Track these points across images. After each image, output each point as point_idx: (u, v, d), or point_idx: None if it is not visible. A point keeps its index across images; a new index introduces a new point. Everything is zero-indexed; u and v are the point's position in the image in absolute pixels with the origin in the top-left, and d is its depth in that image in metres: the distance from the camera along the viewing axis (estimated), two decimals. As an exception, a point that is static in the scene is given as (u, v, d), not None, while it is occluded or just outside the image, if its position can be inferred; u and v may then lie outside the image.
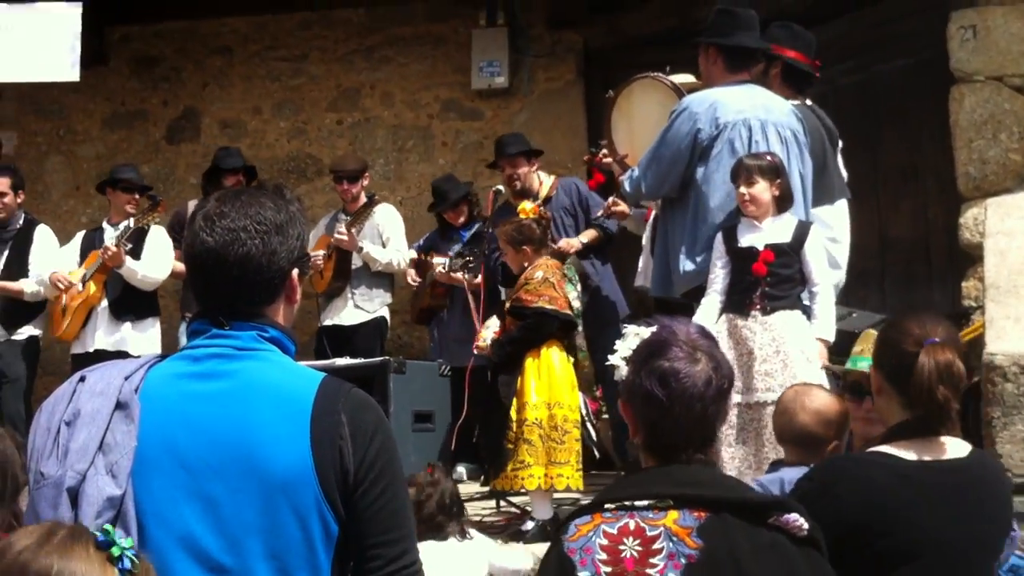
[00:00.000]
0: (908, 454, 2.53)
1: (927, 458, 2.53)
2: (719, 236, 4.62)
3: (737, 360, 4.28)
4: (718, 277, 4.57)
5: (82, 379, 2.06)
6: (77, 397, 2.02)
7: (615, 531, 2.05)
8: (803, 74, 5.40)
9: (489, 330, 5.19)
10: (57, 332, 6.87)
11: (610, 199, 5.97)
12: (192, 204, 7.26)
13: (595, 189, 6.52)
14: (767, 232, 4.51)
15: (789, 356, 4.30)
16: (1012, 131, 6.21)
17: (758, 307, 4.43)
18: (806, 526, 2.08)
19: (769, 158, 4.57)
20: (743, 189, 4.50)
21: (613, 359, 2.30)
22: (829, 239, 5.30)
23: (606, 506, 2.10)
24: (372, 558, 2.00)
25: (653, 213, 5.99)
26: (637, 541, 2.03)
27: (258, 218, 2.06)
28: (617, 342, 2.32)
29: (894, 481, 2.49)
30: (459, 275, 6.75)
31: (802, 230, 4.57)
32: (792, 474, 3.33)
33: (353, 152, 8.42)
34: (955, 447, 2.57)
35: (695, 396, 2.12)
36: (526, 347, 5.03)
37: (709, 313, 4.49)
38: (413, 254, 7.32)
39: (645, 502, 2.07)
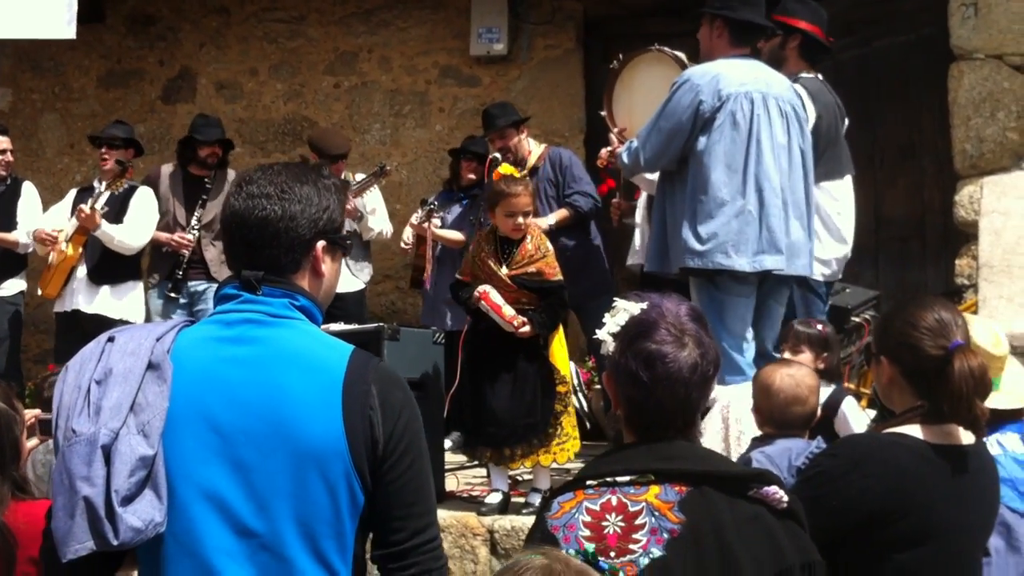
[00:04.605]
0: (928, 437, 2.52)
1: (945, 443, 2.52)
2: None
3: None
4: None
5: (111, 339, 2.08)
6: (107, 356, 2.04)
7: (597, 507, 2.05)
8: (819, 47, 5.45)
9: (508, 305, 4.95)
10: (42, 290, 6.90)
11: (604, 151, 5.83)
12: (165, 168, 7.23)
13: (606, 195, 6.46)
14: None
15: None
16: (1010, 110, 6.18)
17: None
18: (786, 498, 2.08)
19: (820, 328, 4.48)
20: (786, 355, 4.41)
21: (600, 333, 2.27)
22: (836, 213, 5.32)
23: (588, 483, 2.10)
24: (395, 530, 2.04)
25: (643, 196, 5.97)
26: (620, 517, 2.03)
27: (283, 186, 2.11)
28: (606, 316, 2.29)
29: (919, 464, 2.47)
30: (425, 224, 6.77)
31: (832, 402, 4.37)
32: (799, 445, 3.35)
33: (337, 129, 8.32)
34: (966, 433, 2.56)
35: (679, 381, 2.10)
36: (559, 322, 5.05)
37: None
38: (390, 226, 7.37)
39: (627, 478, 2.07)
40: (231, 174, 7.14)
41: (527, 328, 4.90)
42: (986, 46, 6.26)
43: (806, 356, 4.39)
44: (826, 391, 4.37)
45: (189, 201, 6.99)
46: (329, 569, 2.00)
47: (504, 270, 5.00)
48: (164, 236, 6.92)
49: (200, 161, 7.07)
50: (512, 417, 4.89)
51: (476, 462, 5.56)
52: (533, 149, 6.69)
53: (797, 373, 3.59)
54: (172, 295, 6.87)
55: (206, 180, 7.04)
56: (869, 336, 5.81)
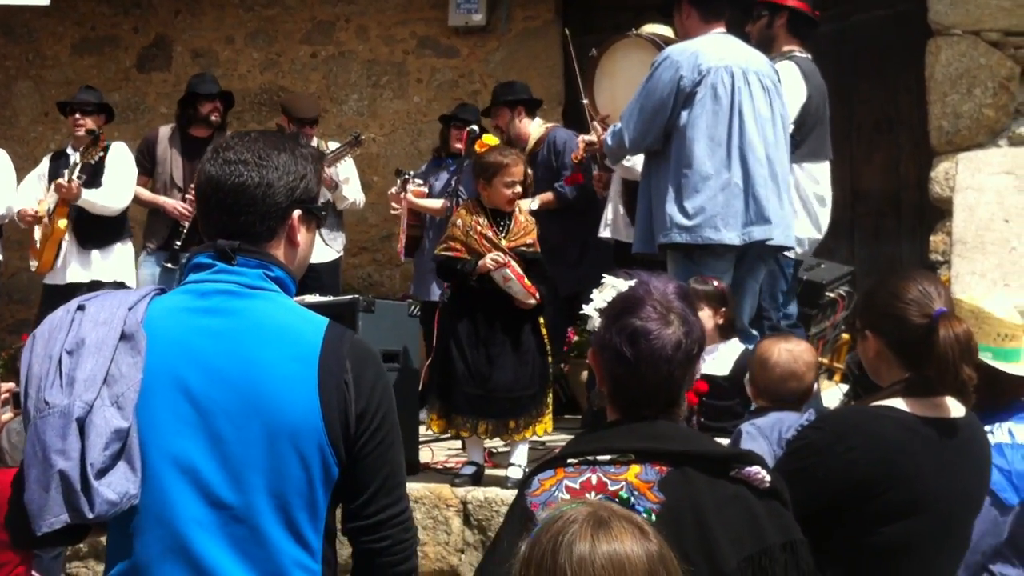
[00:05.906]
0: (915, 410, 2.53)
1: (932, 415, 2.54)
2: None
3: None
4: None
5: (80, 308, 2.05)
6: (78, 326, 2.01)
7: (577, 485, 2.05)
8: (806, 22, 5.47)
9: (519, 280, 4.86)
10: (36, 266, 6.82)
11: (581, 141, 5.85)
12: (164, 130, 7.14)
13: (570, 185, 6.44)
14: (707, 361, 4.27)
15: None
16: (986, 86, 6.21)
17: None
18: (768, 478, 2.08)
19: (715, 283, 4.48)
20: None
21: (587, 309, 2.29)
22: (817, 197, 5.35)
23: (569, 461, 2.10)
24: (366, 504, 2.06)
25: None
26: (599, 496, 2.02)
27: (260, 153, 2.10)
28: (594, 291, 2.31)
29: (905, 436, 2.48)
30: (402, 195, 6.74)
31: (743, 363, 4.35)
32: (791, 418, 3.35)
33: (309, 94, 8.30)
34: (955, 406, 2.57)
35: (662, 358, 2.10)
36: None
37: None
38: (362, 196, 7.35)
39: (607, 456, 2.07)
40: None
41: (537, 297, 4.86)
42: (963, 22, 6.27)
43: (705, 312, 4.34)
44: (728, 346, 4.39)
45: (188, 164, 6.88)
46: (301, 541, 2.00)
47: (504, 242, 4.91)
48: (164, 201, 6.85)
49: (202, 119, 6.94)
50: (519, 387, 4.84)
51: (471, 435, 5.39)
52: (533, 132, 6.66)
53: (795, 348, 3.57)
54: (169, 266, 6.80)
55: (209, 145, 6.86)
56: (843, 311, 5.86)
